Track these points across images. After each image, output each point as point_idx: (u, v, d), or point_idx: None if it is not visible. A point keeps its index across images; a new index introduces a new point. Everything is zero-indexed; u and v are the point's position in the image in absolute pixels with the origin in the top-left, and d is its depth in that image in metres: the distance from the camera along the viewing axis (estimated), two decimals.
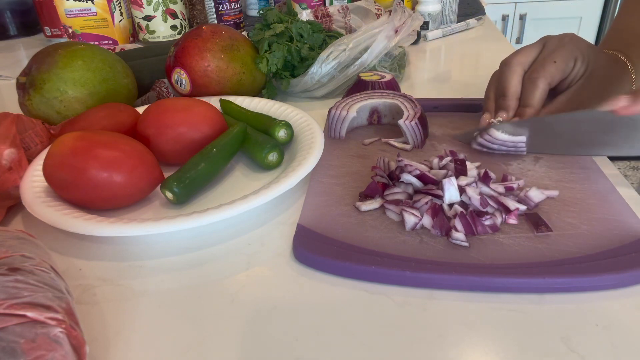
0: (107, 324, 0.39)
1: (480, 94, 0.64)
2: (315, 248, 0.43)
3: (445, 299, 0.39)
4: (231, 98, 0.70)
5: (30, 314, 0.29)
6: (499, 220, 0.45)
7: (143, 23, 1.10)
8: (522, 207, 0.46)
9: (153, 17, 1.09)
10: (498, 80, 0.60)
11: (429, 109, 0.68)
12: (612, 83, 0.58)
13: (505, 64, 0.59)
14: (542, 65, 0.56)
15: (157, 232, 0.45)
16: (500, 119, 0.57)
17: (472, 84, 0.82)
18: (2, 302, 0.28)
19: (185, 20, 1.13)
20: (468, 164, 0.50)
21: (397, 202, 0.47)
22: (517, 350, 0.35)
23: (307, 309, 0.39)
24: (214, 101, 0.68)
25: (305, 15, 0.89)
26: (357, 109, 0.63)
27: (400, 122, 0.59)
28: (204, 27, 0.72)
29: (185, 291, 0.42)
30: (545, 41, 0.59)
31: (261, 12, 0.81)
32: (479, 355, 0.35)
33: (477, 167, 0.53)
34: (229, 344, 0.36)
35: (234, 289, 0.42)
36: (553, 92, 0.59)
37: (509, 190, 0.49)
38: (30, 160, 0.56)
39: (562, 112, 0.56)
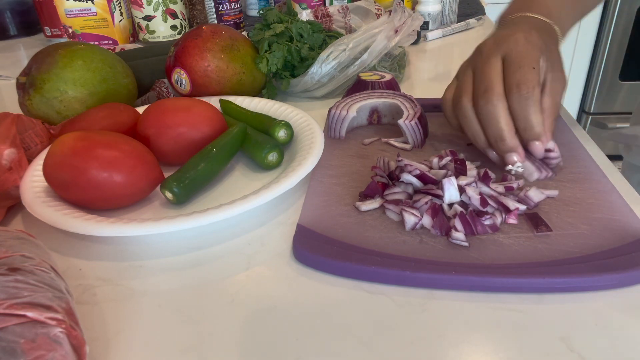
0: (107, 324, 0.39)
1: None
2: (315, 248, 0.43)
3: (445, 299, 0.39)
4: (231, 98, 0.70)
5: (30, 314, 0.29)
6: (498, 220, 0.45)
7: (143, 23, 1.10)
8: (522, 207, 0.47)
9: (153, 17, 1.09)
10: (484, 122, 0.51)
11: (429, 109, 0.68)
12: (558, 54, 0.55)
13: (486, 101, 0.50)
14: (526, 79, 0.49)
15: (157, 232, 0.45)
16: (519, 164, 0.50)
17: None
18: (2, 302, 0.28)
19: (185, 20, 1.13)
20: (468, 163, 0.50)
21: (397, 202, 0.47)
22: (517, 350, 0.35)
23: (307, 309, 0.39)
24: (214, 101, 0.68)
25: (305, 15, 0.89)
26: (357, 108, 0.63)
27: (400, 121, 0.59)
28: (204, 27, 0.72)
29: (185, 291, 0.42)
30: (498, 51, 0.52)
31: (261, 12, 0.81)
32: (478, 355, 0.35)
33: (477, 167, 0.53)
34: (229, 344, 0.36)
35: (234, 289, 0.42)
36: None
37: (509, 190, 0.49)
38: (30, 160, 0.56)
39: (556, 112, 0.51)
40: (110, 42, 1.11)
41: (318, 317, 0.38)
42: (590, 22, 2.31)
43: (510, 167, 0.51)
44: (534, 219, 0.45)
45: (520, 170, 0.51)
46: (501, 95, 0.50)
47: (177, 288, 0.42)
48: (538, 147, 0.50)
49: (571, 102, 2.31)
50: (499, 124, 0.49)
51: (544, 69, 0.51)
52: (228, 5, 1.11)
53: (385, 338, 0.36)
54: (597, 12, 2.29)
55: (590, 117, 2.30)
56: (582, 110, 2.34)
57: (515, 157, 0.50)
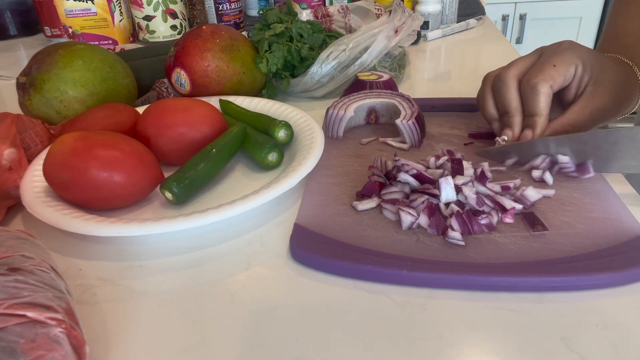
0: (107, 324, 0.39)
1: None
2: (312, 247, 0.43)
3: (445, 299, 0.39)
4: (231, 98, 0.70)
5: (30, 314, 0.29)
6: (495, 219, 0.45)
7: (143, 23, 1.10)
8: (519, 206, 0.47)
9: (153, 17, 1.09)
10: (496, 95, 0.57)
11: (427, 109, 0.69)
12: (622, 87, 0.56)
13: (500, 79, 0.56)
14: (540, 69, 0.53)
15: (157, 232, 0.45)
16: (506, 137, 0.55)
17: (472, 84, 0.82)
18: (2, 302, 0.29)
19: (185, 20, 1.14)
20: (464, 163, 0.50)
21: (393, 202, 0.47)
22: (517, 350, 0.35)
23: (307, 309, 0.39)
24: (214, 101, 0.69)
25: (305, 15, 0.89)
26: (354, 108, 0.63)
27: (398, 121, 0.60)
28: (204, 27, 0.72)
29: (185, 291, 0.42)
30: (541, 51, 0.57)
31: (261, 12, 0.81)
32: (478, 356, 0.35)
33: (474, 166, 0.53)
34: (229, 344, 0.37)
35: (234, 289, 0.42)
36: (558, 103, 0.57)
37: (505, 189, 0.49)
38: (30, 160, 0.57)
39: (576, 121, 0.54)
40: (110, 42, 1.11)
41: (318, 317, 0.38)
42: (590, 22, 2.31)
43: (498, 138, 0.56)
44: (530, 218, 0.45)
45: (501, 143, 0.56)
46: (515, 77, 0.55)
47: (177, 288, 0.42)
48: (526, 134, 0.54)
49: None
50: (506, 99, 0.56)
51: (582, 78, 0.54)
52: (228, 5, 1.11)
53: (385, 338, 0.36)
54: (597, 11, 2.29)
55: None
56: None
57: (508, 132, 0.55)
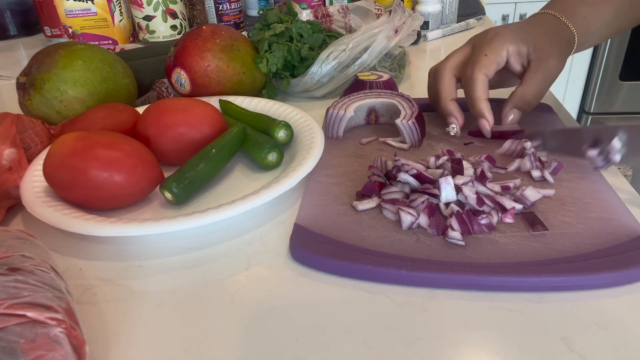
0: (107, 324, 0.39)
1: None
2: (312, 247, 0.43)
3: (445, 299, 0.39)
4: (231, 98, 0.70)
5: (30, 314, 0.29)
6: (495, 219, 0.45)
7: (143, 23, 1.10)
8: (519, 206, 0.47)
9: (153, 17, 1.09)
10: (431, 87, 0.62)
11: (426, 109, 0.68)
12: (558, 39, 0.59)
13: (435, 73, 0.62)
14: (473, 61, 0.58)
15: (157, 232, 0.45)
16: (454, 125, 0.60)
17: None
18: (2, 302, 0.29)
19: (185, 20, 1.14)
20: (464, 163, 0.50)
21: (393, 202, 0.47)
22: (517, 350, 0.35)
23: (307, 309, 0.39)
24: (214, 101, 0.69)
25: (305, 15, 0.89)
26: (354, 108, 0.63)
27: (398, 121, 0.60)
28: (204, 27, 0.72)
29: (185, 291, 0.42)
30: (472, 41, 0.61)
31: (261, 12, 0.81)
32: (478, 356, 0.35)
33: (474, 166, 0.53)
34: (229, 344, 0.37)
35: (234, 289, 0.42)
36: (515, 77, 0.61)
37: (505, 189, 0.49)
38: (30, 160, 0.57)
39: (532, 88, 0.57)
40: (110, 42, 1.11)
41: (318, 317, 0.38)
42: None
43: (447, 128, 0.61)
44: (530, 218, 0.45)
45: (452, 133, 0.60)
46: (449, 69, 0.61)
47: (177, 288, 0.42)
48: (482, 124, 0.58)
49: (571, 102, 2.31)
50: (437, 88, 0.61)
51: (519, 52, 0.58)
52: (228, 5, 1.11)
53: (385, 338, 0.36)
54: None
55: (590, 117, 2.30)
56: (582, 110, 2.34)
57: (451, 120, 0.60)
